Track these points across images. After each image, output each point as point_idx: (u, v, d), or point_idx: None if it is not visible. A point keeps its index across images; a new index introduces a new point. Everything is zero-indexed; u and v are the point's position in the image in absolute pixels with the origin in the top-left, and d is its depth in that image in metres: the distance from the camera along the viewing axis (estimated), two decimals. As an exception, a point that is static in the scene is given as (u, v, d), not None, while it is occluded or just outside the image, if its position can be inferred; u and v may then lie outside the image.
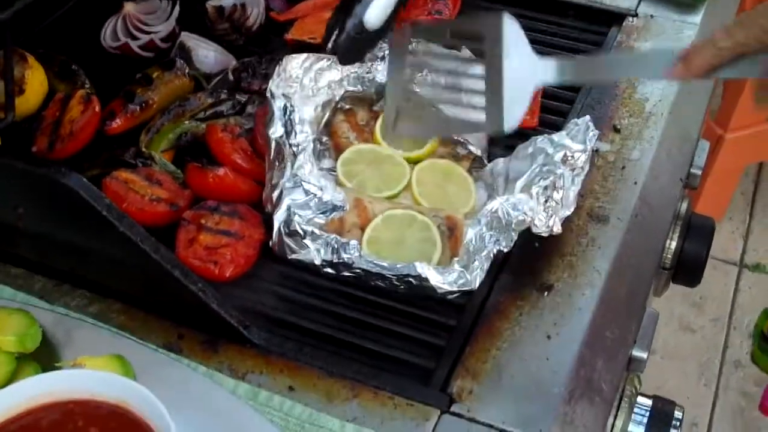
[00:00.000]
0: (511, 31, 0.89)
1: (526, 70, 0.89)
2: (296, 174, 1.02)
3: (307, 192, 1.01)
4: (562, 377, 0.89)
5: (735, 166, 3.09)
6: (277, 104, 1.06)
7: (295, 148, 1.04)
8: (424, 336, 0.95)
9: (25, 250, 1.00)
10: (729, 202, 3.19)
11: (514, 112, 0.88)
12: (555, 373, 0.89)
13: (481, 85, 0.90)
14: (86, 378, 0.77)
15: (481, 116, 0.90)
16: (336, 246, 0.97)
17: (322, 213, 1.02)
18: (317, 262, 0.98)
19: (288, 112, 1.06)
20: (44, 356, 0.86)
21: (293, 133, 1.05)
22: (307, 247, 0.98)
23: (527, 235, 1.01)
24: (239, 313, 0.92)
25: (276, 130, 1.05)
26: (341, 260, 0.97)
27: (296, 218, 0.99)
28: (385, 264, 0.95)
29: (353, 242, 0.97)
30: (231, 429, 0.82)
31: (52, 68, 1.22)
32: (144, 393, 0.74)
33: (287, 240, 0.99)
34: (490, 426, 0.85)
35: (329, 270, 0.98)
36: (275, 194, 1.01)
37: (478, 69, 0.91)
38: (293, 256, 0.99)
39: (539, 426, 0.84)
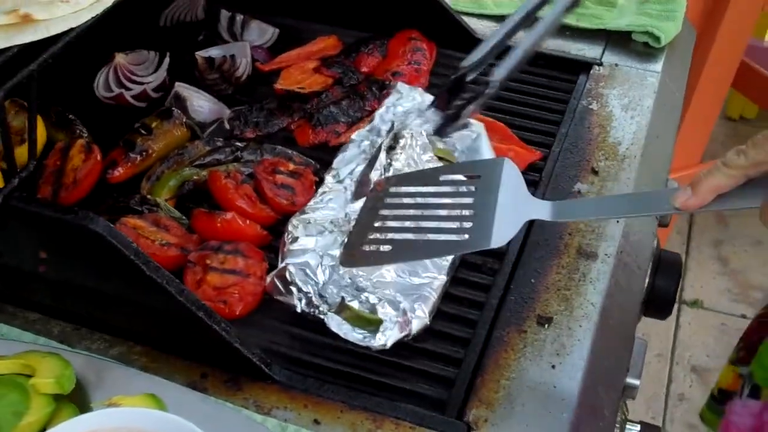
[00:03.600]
0: (511, 174, 0.93)
1: (520, 203, 0.91)
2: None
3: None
4: (569, 404, 0.95)
5: (671, 207, 3.21)
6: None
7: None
8: (434, 369, 0.99)
9: (43, 295, 1.02)
10: (665, 240, 3.32)
11: (504, 232, 0.88)
12: (562, 400, 0.95)
13: (459, 206, 0.92)
14: (128, 415, 0.79)
15: (462, 236, 0.89)
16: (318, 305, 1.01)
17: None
18: (298, 310, 1.02)
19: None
20: (77, 398, 0.88)
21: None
22: (292, 293, 1.02)
23: (523, 273, 1.08)
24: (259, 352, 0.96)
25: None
26: (315, 318, 1.01)
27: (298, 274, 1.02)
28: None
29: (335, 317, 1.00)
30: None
31: (49, 118, 1.24)
32: (186, 426, 0.77)
33: (278, 282, 1.03)
34: (509, 451, 0.90)
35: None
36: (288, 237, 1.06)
37: (452, 191, 0.94)
38: (278, 297, 1.03)
39: (554, 450, 0.90)
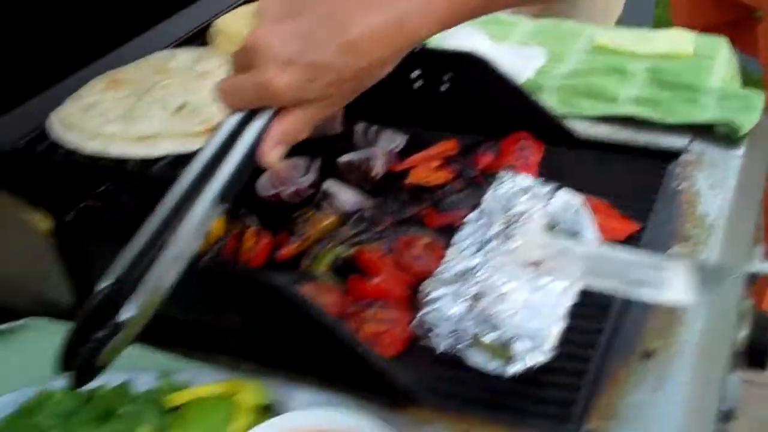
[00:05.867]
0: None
1: None
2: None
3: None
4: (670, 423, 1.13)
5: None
6: None
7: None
8: (555, 393, 1.18)
9: (231, 343, 1.26)
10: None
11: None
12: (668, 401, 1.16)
13: None
14: (321, 416, 1.01)
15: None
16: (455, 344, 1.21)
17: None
18: (440, 349, 1.22)
19: None
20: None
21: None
22: (431, 337, 1.23)
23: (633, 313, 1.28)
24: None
25: None
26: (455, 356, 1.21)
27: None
28: None
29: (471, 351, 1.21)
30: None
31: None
32: (371, 424, 0.98)
33: (419, 329, 1.25)
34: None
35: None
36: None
37: None
38: (423, 342, 1.24)
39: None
